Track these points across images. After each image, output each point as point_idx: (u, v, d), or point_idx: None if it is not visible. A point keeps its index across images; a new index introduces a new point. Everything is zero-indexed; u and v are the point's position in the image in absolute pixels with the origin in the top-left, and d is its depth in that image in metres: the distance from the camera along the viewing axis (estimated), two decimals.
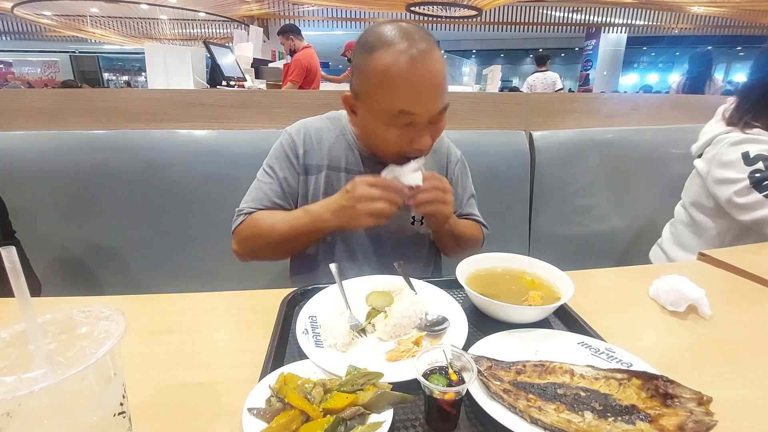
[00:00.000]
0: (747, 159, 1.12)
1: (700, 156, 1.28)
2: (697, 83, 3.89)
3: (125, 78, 15.91)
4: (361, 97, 0.85)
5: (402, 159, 0.87)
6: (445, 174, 1.06)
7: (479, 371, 0.52)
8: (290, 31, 4.23)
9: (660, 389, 0.49)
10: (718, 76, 3.89)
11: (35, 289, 1.20)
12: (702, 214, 1.28)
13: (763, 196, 1.08)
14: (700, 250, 0.99)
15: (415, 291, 0.73)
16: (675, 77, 4.43)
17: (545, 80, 5.78)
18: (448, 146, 1.09)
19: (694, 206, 1.31)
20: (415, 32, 0.80)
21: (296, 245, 0.96)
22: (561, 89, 6.04)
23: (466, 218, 1.09)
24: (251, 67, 4.10)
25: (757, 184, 1.10)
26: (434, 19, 10.30)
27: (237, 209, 0.99)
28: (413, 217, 1.01)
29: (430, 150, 0.88)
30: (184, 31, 11.63)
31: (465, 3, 8.23)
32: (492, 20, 11.59)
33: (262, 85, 4.01)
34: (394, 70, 0.77)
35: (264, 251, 0.97)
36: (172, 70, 2.74)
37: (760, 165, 1.10)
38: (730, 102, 1.25)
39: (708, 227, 1.26)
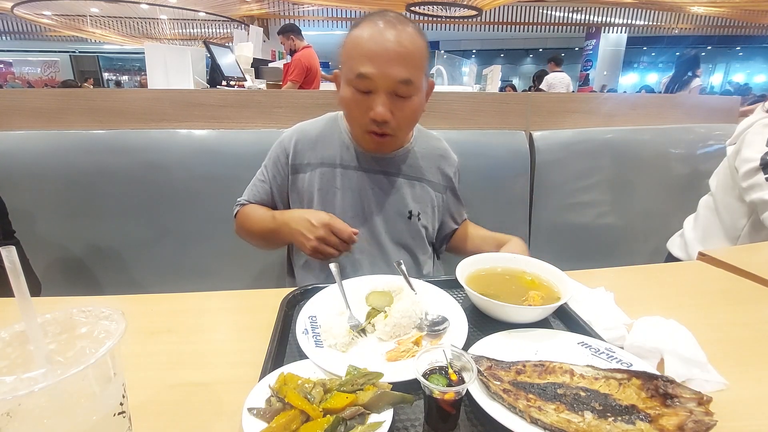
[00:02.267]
0: None
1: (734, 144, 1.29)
2: (674, 83, 4.03)
3: (115, 78, 15.93)
4: (341, 67, 0.91)
5: (367, 138, 0.92)
6: (440, 175, 1.07)
7: (479, 371, 0.52)
8: (290, 31, 4.22)
9: (660, 389, 0.49)
10: (696, 78, 4.01)
11: (35, 289, 1.20)
12: (728, 197, 1.28)
13: (765, 179, 1.10)
14: (699, 251, 0.99)
15: (415, 291, 0.73)
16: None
17: (563, 80, 6.07)
18: (447, 150, 1.10)
19: (720, 189, 1.32)
20: (399, 19, 0.86)
21: (270, 243, 1.06)
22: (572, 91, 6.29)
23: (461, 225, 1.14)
24: (251, 67, 4.10)
25: (765, 166, 1.11)
26: (434, 19, 10.30)
27: (238, 198, 1.09)
28: (410, 212, 1.02)
29: (386, 122, 0.87)
30: (184, 31, 11.63)
31: (465, 3, 8.23)
32: (492, 20, 11.59)
33: (262, 85, 4.01)
34: (359, 36, 0.85)
35: (251, 240, 1.07)
36: (172, 70, 2.73)
37: None
38: None
39: (734, 209, 1.26)
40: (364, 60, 0.83)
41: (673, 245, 1.45)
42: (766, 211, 1.09)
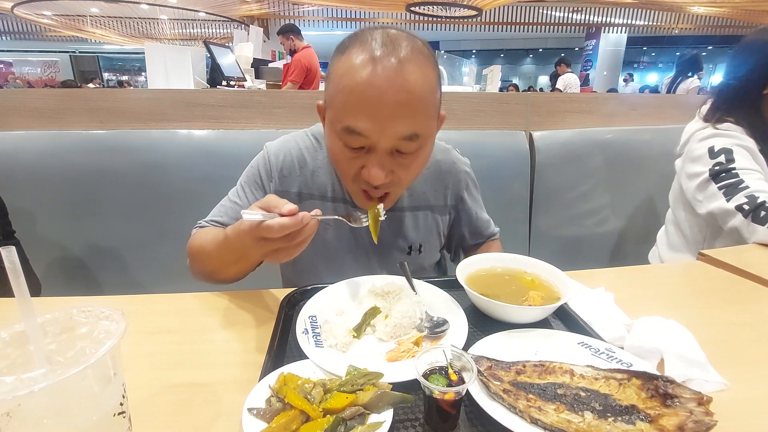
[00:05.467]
0: (712, 153, 1.15)
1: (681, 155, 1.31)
2: (674, 83, 4.15)
3: (125, 78, 15.89)
4: (326, 105, 0.72)
5: (360, 197, 0.76)
6: (447, 195, 0.95)
7: (479, 371, 0.52)
8: (290, 31, 4.23)
9: (660, 389, 0.49)
10: (692, 78, 4.10)
11: (35, 289, 1.20)
12: (682, 212, 1.30)
13: (718, 188, 1.11)
14: (700, 250, 0.99)
15: (416, 291, 0.73)
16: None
17: (576, 80, 6.41)
18: (454, 162, 0.95)
19: (676, 204, 1.34)
20: (402, 40, 0.66)
21: (221, 265, 0.79)
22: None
23: (487, 241, 1.03)
24: (251, 67, 4.10)
25: (715, 176, 1.12)
26: (434, 19, 10.31)
27: (199, 220, 0.89)
28: (410, 246, 0.93)
29: (386, 185, 0.72)
30: (184, 31, 11.65)
31: (465, 3, 8.23)
32: (492, 20, 11.62)
33: (262, 85, 4.01)
34: (349, 77, 0.64)
35: (200, 270, 0.84)
36: (172, 70, 2.74)
37: (721, 158, 1.13)
38: (705, 100, 1.29)
39: (690, 224, 1.28)
40: (356, 111, 0.64)
41: (653, 258, 1.45)
42: (729, 220, 1.08)
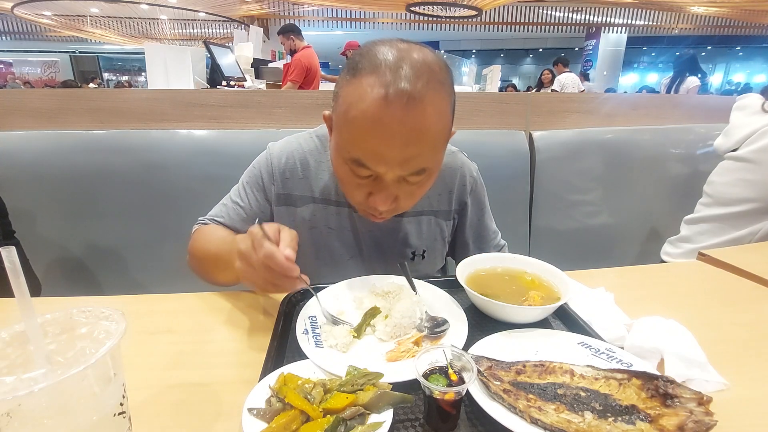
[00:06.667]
0: None
1: (734, 150, 1.26)
2: (673, 83, 4.19)
3: (125, 78, 15.87)
4: (333, 121, 0.70)
5: (363, 214, 0.77)
6: (451, 200, 0.93)
7: (479, 371, 0.52)
8: (290, 31, 4.23)
9: (660, 389, 0.49)
10: (692, 78, 4.11)
11: (35, 289, 1.20)
12: (739, 208, 1.26)
13: None
14: (700, 251, 0.99)
15: (416, 291, 0.73)
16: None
17: (574, 80, 6.19)
18: (460, 166, 0.93)
19: (732, 201, 1.29)
20: (418, 67, 0.61)
21: (215, 272, 0.81)
22: (583, 90, 6.47)
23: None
24: (251, 67, 4.11)
25: None
26: (434, 19, 10.31)
27: (200, 217, 0.91)
28: (413, 253, 0.91)
29: (390, 211, 0.73)
30: (184, 31, 11.66)
31: (465, 3, 8.23)
32: (492, 20, 11.62)
33: (262, 85, 4.02)
34: (358, 108, 0.62)
35: (198, 271, 0.86)
36: (172, 70, 2.74)
37: None
38: (759, 97, 1.25)
39: (744, 221, 1.24)
40: (365, 147, 0.64)
41: (671, 255, 1.43)
42: None
